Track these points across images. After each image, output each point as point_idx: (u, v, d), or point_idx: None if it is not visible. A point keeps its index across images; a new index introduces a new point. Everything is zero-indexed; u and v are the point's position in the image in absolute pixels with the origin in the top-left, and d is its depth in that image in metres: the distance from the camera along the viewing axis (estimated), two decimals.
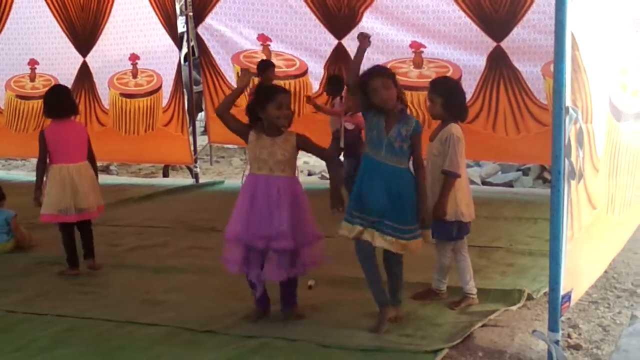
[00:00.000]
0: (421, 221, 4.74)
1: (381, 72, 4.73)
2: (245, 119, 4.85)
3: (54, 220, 6.16)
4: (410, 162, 4.74)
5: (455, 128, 4.97)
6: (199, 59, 10.84)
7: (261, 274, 4.76)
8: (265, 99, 4.76)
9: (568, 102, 3.72)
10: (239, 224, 4.77)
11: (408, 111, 4.98)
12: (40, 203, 6.11)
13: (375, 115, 4.69)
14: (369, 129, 4.76)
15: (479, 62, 9.37)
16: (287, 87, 10.15)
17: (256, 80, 8.77)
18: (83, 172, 6.17)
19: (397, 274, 4.87)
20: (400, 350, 4.31)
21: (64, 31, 11.20)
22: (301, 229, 4.76)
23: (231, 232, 4.80)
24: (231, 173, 12.59)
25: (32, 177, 11.63)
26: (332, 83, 9.08)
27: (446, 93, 5.04)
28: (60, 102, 6.21)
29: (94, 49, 11.15)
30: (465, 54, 9.42)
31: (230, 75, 10.55)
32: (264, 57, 10.08)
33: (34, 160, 13.47)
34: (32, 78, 11.65)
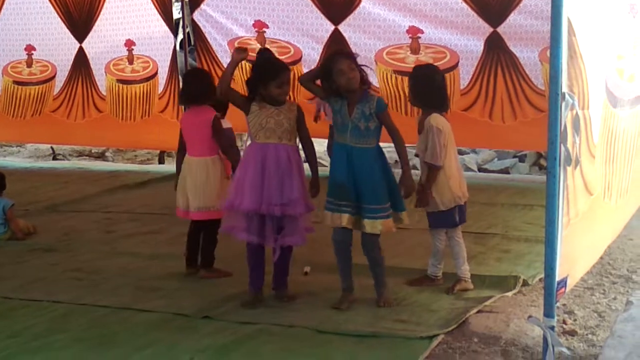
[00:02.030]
0: (403, 189, 4.77)
1: (344, 54, 4.87)
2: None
3: (178, 215, 5.72)
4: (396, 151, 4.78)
5: (434, 119, 4.96)
6: (194, 45, 10.80)
7: (280, 240, 4.87)
8: (268, 76, 4.81)
9: (564, 88, 3.70)
10: (252, 194, 4.80)
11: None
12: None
13: (337, 100, 4.75)
14: (334, 115, 4.81)
15: (476, 47, 9.33)
16: None
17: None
18: (194, 167, 5.52)
19: (375, 258, 4.86)
20: (395, 336, 4.32)
21: (60, 17, 11.15)
22: (305, 196, 4.89)
23: (244, 202, 4.81)
24: None
25: (27, 163, 11.69)
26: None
27: (418, 81, 5.06)
28: (190, 86, 5.69)
29: (90, 34, 11.09)
30: (462, 39, 9.38)
31: (227, 61, 10.50)
32: (259, 45, 10.07)
33: (30, 147, 13.54)
34: (29, 64, 11.59)
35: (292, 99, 10.03)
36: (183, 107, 5.83)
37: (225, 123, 5.88)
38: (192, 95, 5.60)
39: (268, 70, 4.89)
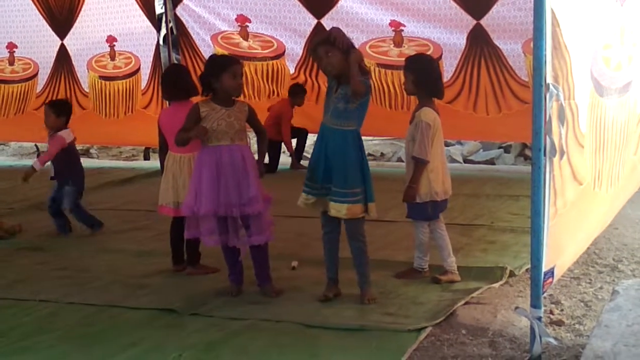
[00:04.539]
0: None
1: (322, 39, 4.74)
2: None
3: (165, 212, 5.61)
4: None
5: (425, 114, 4.97)
6: (177, 40, 10.76)
7: (245, 240, 4.89)
8: (219, 69, 4.82)
9: (549, 79, 3.71)
10: (209, 197, 4.82)
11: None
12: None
13: (331, 82, 4.75)
14: (325, 96, 4.82)
15: (459, 40, 9.36)
16: (263, 68, 10.26)
17: None
18: (185, 164, 5.42)
19: (358, 247, 4.83)
20: (383, 329, 4.32)
21: (41, 13, 11.09)
22: (262, 191, 4.92)
23: (203, 206, 4.83)
24: None
25: (11, 161, 11.62)
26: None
27: (418, 69, 5.06)
28: (174, 81, 5.59)
29: (72, 31, 11.05)
30: (445, 32, 9.41)
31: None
32: (241, 39, 10.19)
33: (14, 145, 13.45)
34: (11, 62, 11.54)
35: (276, 93, 10.16)
36: (168, 102, 5.81)
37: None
38: (173, 91, 5.59)
39: (219, 62, 4.94)
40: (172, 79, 5.65)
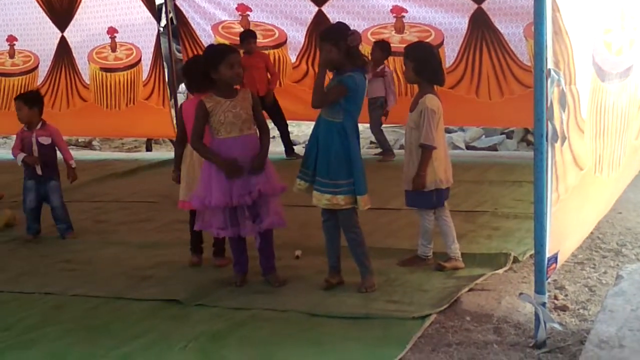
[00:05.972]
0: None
1: (320, 36, 4.87)
2: None
3: (183, 207, 5.50)
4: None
5: (429, 100, 4.96)
6: (177, 30, 10.75)
7: (257, 227, 4.89)
8: (216, 60, 4.82)
9: (550, 64, 3.70)
10: (220, 189, 4.81)
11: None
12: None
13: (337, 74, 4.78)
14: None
15: (461, 24, 9.33)
16: None
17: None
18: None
19: (352, 238, 4.83)
20: (388, 317, 4.33)
21: (40, 6, 11.07)
22: (270, 179, 4.92)
23: (214, 199, 4.83)
24: None
25: (8, 155, 11.60)
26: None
27: (418, 57, 5.04)
28: (199, 72, 5.26)
29: (72, 23, 11.04)
30: (446, 16, 9.39)
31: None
32: (241, 28, 10.05)
33: (13, 138, 13.41)
34: (12, 54, 11.53)
35: (280, 84, 10.10)
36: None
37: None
38: (198, 82, 5.36)
39: (214, 54, 4.92)
40: (197, 70, 5.36)
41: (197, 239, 5.57)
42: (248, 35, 9.49)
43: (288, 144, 9.81)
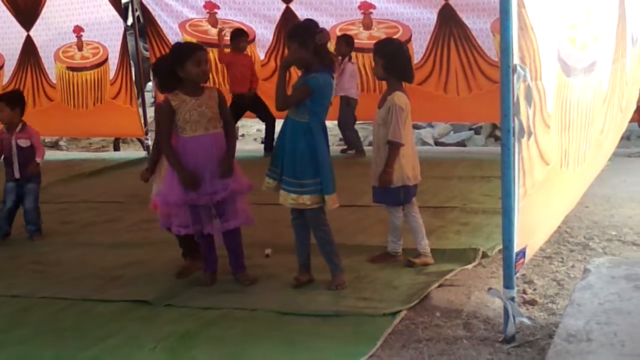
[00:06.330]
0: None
1: (288, 34, 4.89)
2: None
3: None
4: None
5: (398, 97, 4.97)
6: (144, 28, 10.67)
7: (220, 226, 4.88)
8: (183, 57, 4.78)
9: (516, 60, 3.72)
10: (182, 188, 4.80)
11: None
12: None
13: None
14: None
15: (429, 20, 9.36)
16: None
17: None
18: None
19: (320, 236, 4.84)
20: (358, 314, 4.33)
21: (5, 4, 10.93)
22: (237, 178, 4.91)
23: (177, 196, 4.82)
24: None
25: None
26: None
27: (388, 54, 5.05)
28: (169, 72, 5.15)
29: (38, 22, 10.91)
30: (415, 12, 9.41)
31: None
32: (209, 26, 10.08)
33: None
34: None
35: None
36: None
37: None
38: (169, 82, 5.34)
39: (181, 51, 4.88)
40: (166, 70, 5.38)
41: (187, 242, 5.34)
42: (240, 34, 9.66)
43: (269, 141, 9.76)
